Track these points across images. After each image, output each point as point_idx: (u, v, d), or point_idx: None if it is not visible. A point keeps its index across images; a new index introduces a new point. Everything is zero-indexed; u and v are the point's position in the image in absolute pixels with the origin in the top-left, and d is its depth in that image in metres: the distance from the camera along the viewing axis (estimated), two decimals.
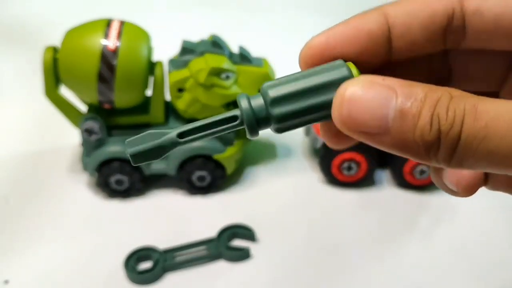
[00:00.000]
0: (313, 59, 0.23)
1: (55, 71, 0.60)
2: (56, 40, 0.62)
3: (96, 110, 0.62)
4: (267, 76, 0.63)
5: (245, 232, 0.59)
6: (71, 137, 0.70)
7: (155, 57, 0.63)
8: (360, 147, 0.64)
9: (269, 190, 0.67)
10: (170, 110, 0.65)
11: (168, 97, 0.63)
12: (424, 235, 0.61)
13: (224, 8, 1.07)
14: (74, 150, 0.71)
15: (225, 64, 0.60)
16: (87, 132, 0.62)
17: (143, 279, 0.55)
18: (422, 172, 0.65)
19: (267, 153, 0.72)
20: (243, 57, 0.63)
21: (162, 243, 0.58)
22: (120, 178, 0.63)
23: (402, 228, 0.62)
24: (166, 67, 0.62)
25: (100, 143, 0.62)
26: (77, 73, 0.58)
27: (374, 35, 0.23)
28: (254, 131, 0.22)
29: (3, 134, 0.75)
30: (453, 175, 0.24)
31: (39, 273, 0.56)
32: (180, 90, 0.61)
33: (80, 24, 0.60)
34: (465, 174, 0.24)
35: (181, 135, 0.22)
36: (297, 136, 0.74)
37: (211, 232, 0.59)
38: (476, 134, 0.19)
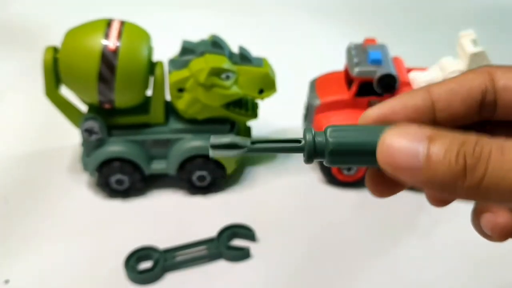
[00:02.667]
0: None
1: (56, 71, 0.60)
2: (56, 40, 0.62)
3: (96, 110, 0.62)
4: (267, 76, 0.63)
5: (245, 232, 0.59)
6: (71, 137, 0.70)
7: (155, 57, 0.63)
8: None
9: (269, 190, 0.67)
10: (170, 110, 0.65)
11: (168, 97, 0.63)
12: (423, 235, 0.61)
13: (224, 8, 1.07)
14: (74, 150, 0.71)
15: (225, 64, 0.60)
16: (87, 132, 0.62)
17: (143, 279, 0.55)
18: None
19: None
20: (243, 57, 0.63)
21: (162, 243, 0.58)
22: (121, 178, 0.63)
23: (402, 228, 0.62)
24: (166, 67, 0.62)
25: (100, 143, 0.62)
26: (78, 73, 0.58)
27: (420, 109, 0.27)
28: (310, 160, 0.26)
29: (3, 134, 0.75)
30: (488, 221, 0.26)
31: (39, 273, 0.56)
32: (180, 90, 0.61)
33: (81, 24, 0.60)
34: (500, 221, 0.26)
35: (253, 143, 0.26)
36: (297, 136, 0.74)
37: (211, 232, 0.59)
38: (502, 165, 0.22)
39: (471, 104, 0.27)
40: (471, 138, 0.23)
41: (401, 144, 0.24)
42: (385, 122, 0.27)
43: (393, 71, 0.62)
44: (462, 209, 0.67)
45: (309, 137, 0.26)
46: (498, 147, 0.22)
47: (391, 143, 0.24)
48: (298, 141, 0.26)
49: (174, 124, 0.64)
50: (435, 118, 0.27)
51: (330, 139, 0.26)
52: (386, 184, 0.25)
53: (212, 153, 0.26)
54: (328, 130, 0.26)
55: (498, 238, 0.26)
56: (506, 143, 0.23)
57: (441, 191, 0.23)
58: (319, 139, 0.26)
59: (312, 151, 0.26)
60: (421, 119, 0.27)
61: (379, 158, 0.24)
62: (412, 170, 0.23)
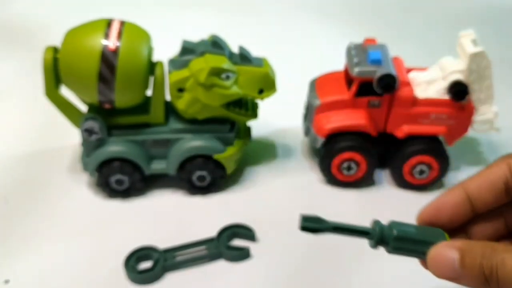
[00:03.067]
0: (424, 223, 0.38)
1: (56, 71, 0.60)
2: (56, 40, 0.62)
3: (96, 110, 0.62)
4: (267, 76, 0.63)
5: (245, 232, 0.59)
6: (71, 137, 0.70)
7: (155, 57, 0.63)
8: (360, 147, 0.64)
9: (269, 190, 0.67)
10: (170, 110, 0.65)
11: (168, 97, 0.63)
12: None
13: (224, 8, 1.07)
14: (74, 150, 0.71)
15: (225, 64, 0.60)
16: (87, 132, 0.62)
17: (143, 279, 0.55)
18: (421, 172, 0.65)
19: (267, 153, 0.73)
20: (243, 57, 0.63)
21: (162, 243, 0.58)
22: (120, 178, 0.63)
23: None
24: (166, 67, 0.62)
25: (100, 143, 0.62)
26: (78, 73, 0.58)
27: (458, 204, 0.37)
28: (375, 247, 0.36)
29: (3, 134, 0.75)
30: None
31: (39, 273, 0.56)
32: (180, 90, 0.61)
33: (81, 24, 0.60)
34: None
35: (334, 229, 0.36)
36: (297, 136, 0.74)
37: (211, 232, 0.59)
38: (506, 275, 0.32)
39: (497, 192, 0.37)
40: (488, 251, 0.32)
41: (442, 257, 0.34)
42: (436, 218, 0.37)
43: (393, 71, 0.62)
44: None
45: (379, 230, 0.36)
46: (501, 261, 0.32)
47: (434, 259, 0.34)
48: (368, 232, 0.36)
49: (174, 124, 0.64)
50: (473, 206, 0.37)
51: (394, 230, 0.35)
52: None
53: (300, 228, 0.36)
54: (393, 225, 0.36)
55: None
56: (506, 256, 0.32)
57: None
58: (386, 233, 0.36)
59: (379, 242, 0.36)
60: (460, 211, 0.37)
61: (429, 269, 0.35)
62: (453, 277, 0.33)
